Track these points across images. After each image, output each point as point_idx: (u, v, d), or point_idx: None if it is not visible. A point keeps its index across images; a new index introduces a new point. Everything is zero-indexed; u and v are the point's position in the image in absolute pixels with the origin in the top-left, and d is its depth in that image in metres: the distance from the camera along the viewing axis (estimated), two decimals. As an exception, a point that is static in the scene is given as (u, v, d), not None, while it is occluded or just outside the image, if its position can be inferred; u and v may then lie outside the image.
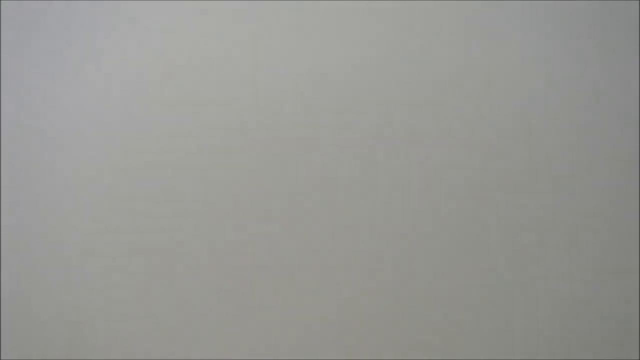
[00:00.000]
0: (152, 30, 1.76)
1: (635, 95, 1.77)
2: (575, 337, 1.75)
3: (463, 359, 1.74)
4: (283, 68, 1.76)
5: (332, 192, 1.75)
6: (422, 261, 1.75)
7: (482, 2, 1.77)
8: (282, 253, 1.74)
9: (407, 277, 1.74)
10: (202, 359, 1.73)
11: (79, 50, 1.75)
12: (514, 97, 1.76)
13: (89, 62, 1.75)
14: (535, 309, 1.75)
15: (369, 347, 1.74)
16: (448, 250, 1.75)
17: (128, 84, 1.75)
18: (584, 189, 1.76)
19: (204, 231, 1.74)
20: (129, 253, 1.73)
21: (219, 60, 1.75)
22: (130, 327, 1.73)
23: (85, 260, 1.74)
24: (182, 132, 1.75)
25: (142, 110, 1.75)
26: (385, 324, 1.74)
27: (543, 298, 1.75)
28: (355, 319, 1.74)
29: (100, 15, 1.75)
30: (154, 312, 1.73)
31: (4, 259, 1.73)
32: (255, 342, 1.74)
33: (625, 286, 1.76)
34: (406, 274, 1.74)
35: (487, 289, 1.75)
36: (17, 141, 1.75)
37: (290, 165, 1.75)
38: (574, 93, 1.77)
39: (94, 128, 1.75)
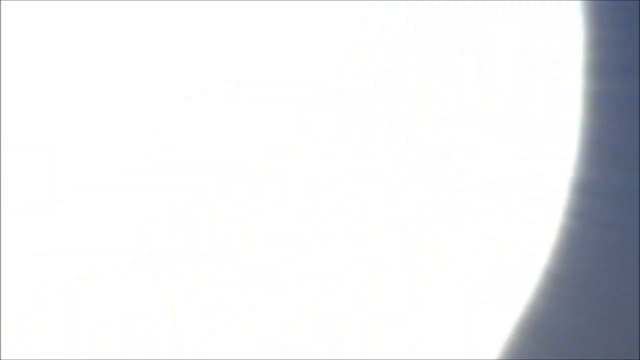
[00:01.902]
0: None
1: (635, 95, 1.78)
2: (575, 337, 1.75)
3: (462, 358, 1.74)
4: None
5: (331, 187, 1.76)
6: (421, 254, 1.75)
7: (483, 1, 1.78)
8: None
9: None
10: (199, 358, 1.74)
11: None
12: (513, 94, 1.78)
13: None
14: (534, 309, 1.76)
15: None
16: (446, 242, 1.76)
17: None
18: (582, 189, 1.77)
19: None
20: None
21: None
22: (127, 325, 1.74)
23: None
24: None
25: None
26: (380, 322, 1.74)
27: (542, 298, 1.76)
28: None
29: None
30: (152, 310, 1.74)
31: (4, 257, 1.74)
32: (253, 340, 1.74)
33: (625, 286, 1.76)
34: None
35: (485, 286, 1.75)
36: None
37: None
38: (573, 93, 1.78)
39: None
